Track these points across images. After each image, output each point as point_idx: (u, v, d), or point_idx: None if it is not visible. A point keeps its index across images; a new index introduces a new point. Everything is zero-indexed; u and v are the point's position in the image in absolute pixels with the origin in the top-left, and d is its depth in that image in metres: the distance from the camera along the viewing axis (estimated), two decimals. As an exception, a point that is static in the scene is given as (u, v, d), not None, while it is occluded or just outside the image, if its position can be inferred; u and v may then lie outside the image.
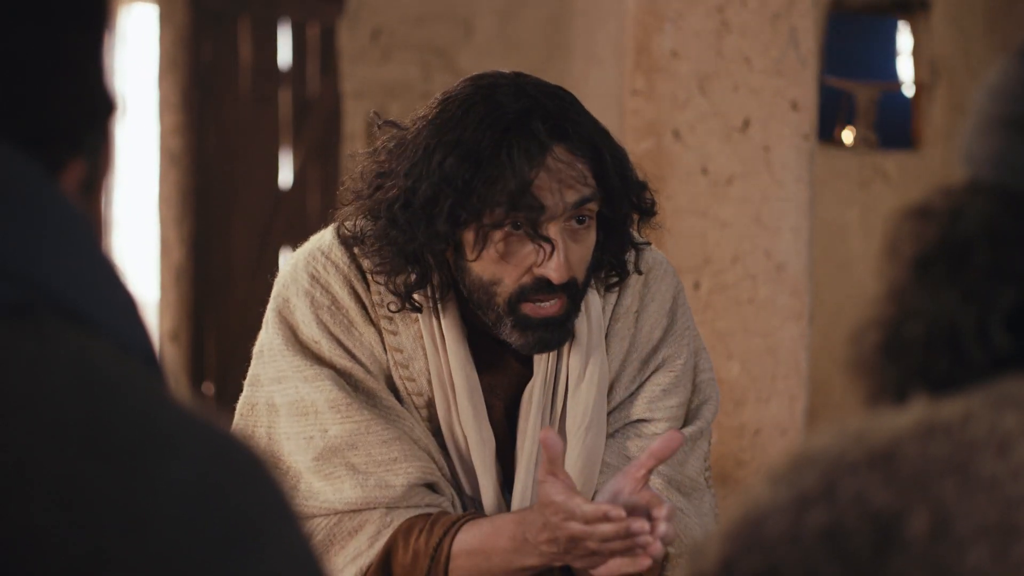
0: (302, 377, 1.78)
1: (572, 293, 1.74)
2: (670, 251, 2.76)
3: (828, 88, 5.33)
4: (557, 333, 1.76)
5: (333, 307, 1.80)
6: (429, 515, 1.77)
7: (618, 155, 1.76)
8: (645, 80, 3.07)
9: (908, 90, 5.86)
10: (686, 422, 1.90)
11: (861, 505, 0.72)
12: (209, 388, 6.06)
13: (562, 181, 1.70)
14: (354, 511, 1.78)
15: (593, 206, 1.73)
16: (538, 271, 1.72)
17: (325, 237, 1.85)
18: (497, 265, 1.72)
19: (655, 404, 1.86)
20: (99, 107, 0.78)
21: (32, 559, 0.65)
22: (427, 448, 1.81)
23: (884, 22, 6.01)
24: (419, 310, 1.79)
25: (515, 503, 1.83)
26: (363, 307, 1.80)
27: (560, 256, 1.70)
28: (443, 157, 1.69)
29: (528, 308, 1.73)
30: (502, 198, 1.68)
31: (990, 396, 0.76)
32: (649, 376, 1.88)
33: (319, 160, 6.11)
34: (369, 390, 1.79)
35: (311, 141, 6.12)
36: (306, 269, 1.81)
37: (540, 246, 1.70)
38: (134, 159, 6.04)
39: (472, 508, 1.84)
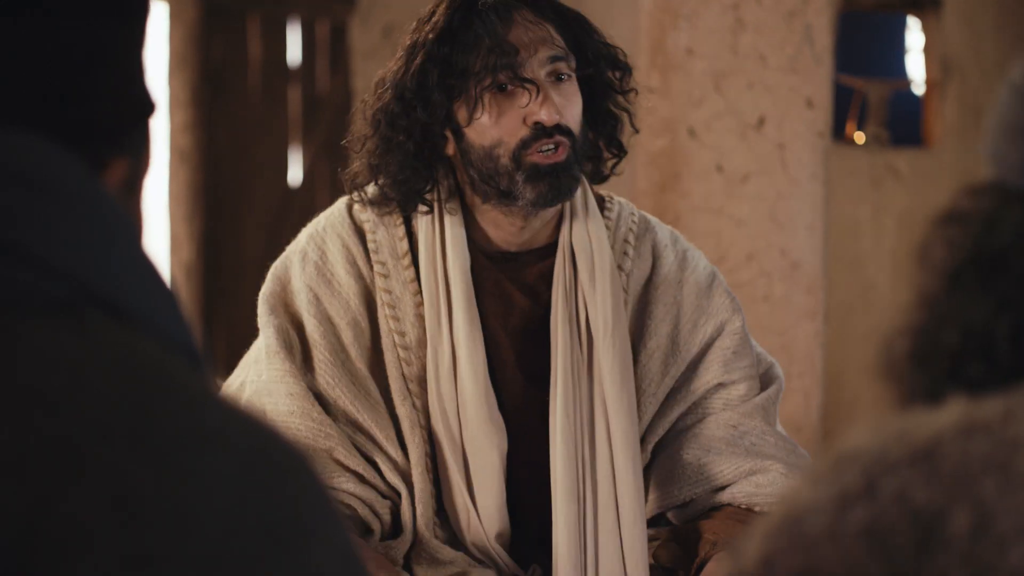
0: (261, 325, 1.91)
1: (571, 140, 1.82)
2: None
3: (839, 86, 5.32)
4: (566, 179, 1.83)
5: (320, 261, 1.93)
6: None
7: (584, 24, 1.88)
8: (660, 78, 3.06)
9: (919, 88, 5.84)
10: (762, 385, 1.98)
11: (902, 503, 0.72)
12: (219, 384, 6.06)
13: (532, 38, 1.81)
14: None
15: (568, 67, 1.83)
16: (530, 119, 1.80)
17: (331, 207, 1.99)
18: (493, 127, 1.81)
19: (730, 366, 1.94)
20: (140, 105, 0.78)
21: (79, 555, 0.65)
22: (372, 396, 1.87)
23: (895, 19, 6.00)
24: (430, 206, 1.88)
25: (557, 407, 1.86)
26: (351, 260, 1.91)
27: (547, 97, 1.79)
28: (423, 46, 1.82)
29: (537, 157, 1.81)
30: (482, 60, 1.79)
31: (1029, 395, 0.76)
32: (714, 340, 1.95)
33: (329, 158, 6.11)
34: (315, 342, 1.88)
35: (321, 139, 6.12)
36: (307, 231, 1.98)
37: (526, 89, 1.80)
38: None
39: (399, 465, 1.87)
